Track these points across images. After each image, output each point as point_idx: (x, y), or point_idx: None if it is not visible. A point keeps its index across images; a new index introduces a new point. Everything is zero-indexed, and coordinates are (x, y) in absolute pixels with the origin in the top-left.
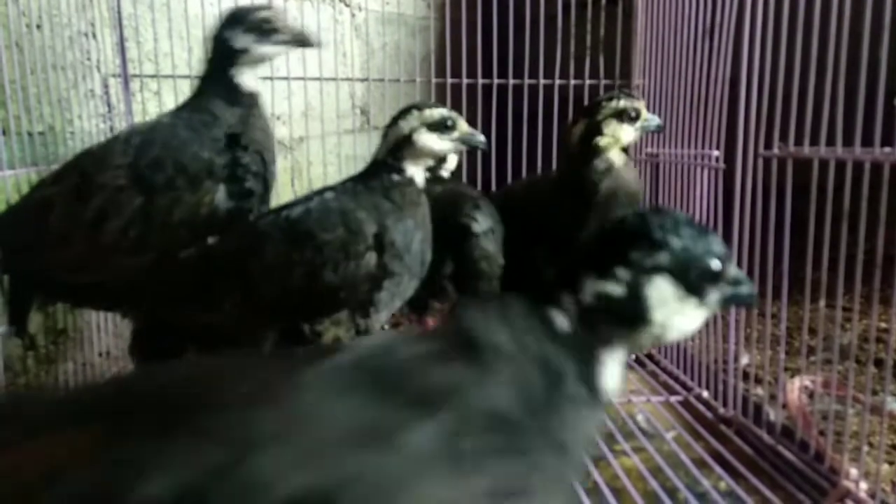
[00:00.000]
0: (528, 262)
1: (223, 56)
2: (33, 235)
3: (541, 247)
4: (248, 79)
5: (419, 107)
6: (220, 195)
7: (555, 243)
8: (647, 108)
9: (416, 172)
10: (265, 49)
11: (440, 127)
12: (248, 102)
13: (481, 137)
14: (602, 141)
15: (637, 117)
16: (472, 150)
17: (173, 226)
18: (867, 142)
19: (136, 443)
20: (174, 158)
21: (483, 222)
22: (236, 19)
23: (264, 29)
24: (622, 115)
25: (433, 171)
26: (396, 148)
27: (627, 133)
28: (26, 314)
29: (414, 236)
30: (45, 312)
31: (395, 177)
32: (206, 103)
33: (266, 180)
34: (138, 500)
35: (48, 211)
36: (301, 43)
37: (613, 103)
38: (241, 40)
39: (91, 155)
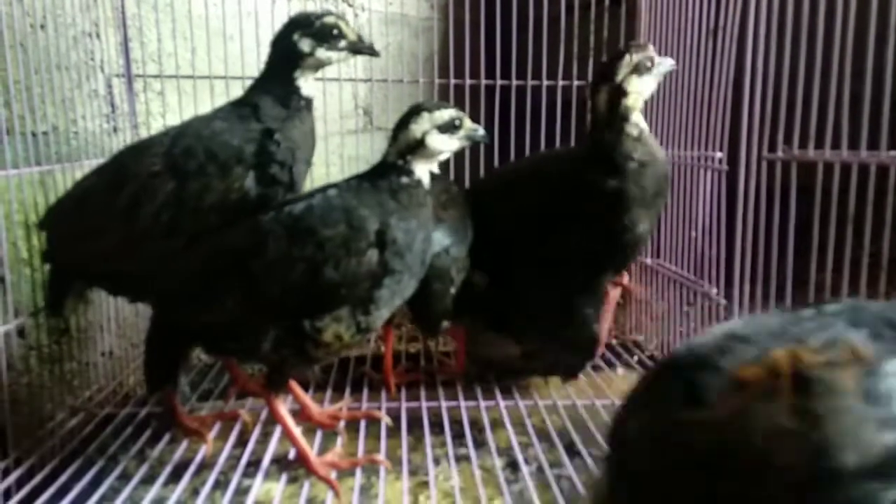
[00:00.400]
0: (555, 241)
1: (287, 58)
2: (72, 226)
3: (573, 226)
4: (307, 83)
5: (429, 108)
6: (250, 181)
7: (590, 220)
8: (650, 108)
9: (424, 173)
10: (328, 54)
11: (449, 127)
12: (297, 106)
13: (482, 132)
14: (629, 100)
15: (653, 65)
16: (474, 152)
17: (204, 210)
18: (873, 145)
19: None
20: (205, 146)
21: (437, 242)
22: (302, 23)
23: (329, 35)
24: (639, 69)
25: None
26: (407, 150)
27: (649, 84)
28: (64, 300)
29: (416, 236)
30: (82, 301)
31: (405, 179)
32: (253, 98)
33: (293, 172)
34: None
35: (86, 201)
36: (361, 50)
37: (627, 59)
38: (306, 44)
39: (133, 147)
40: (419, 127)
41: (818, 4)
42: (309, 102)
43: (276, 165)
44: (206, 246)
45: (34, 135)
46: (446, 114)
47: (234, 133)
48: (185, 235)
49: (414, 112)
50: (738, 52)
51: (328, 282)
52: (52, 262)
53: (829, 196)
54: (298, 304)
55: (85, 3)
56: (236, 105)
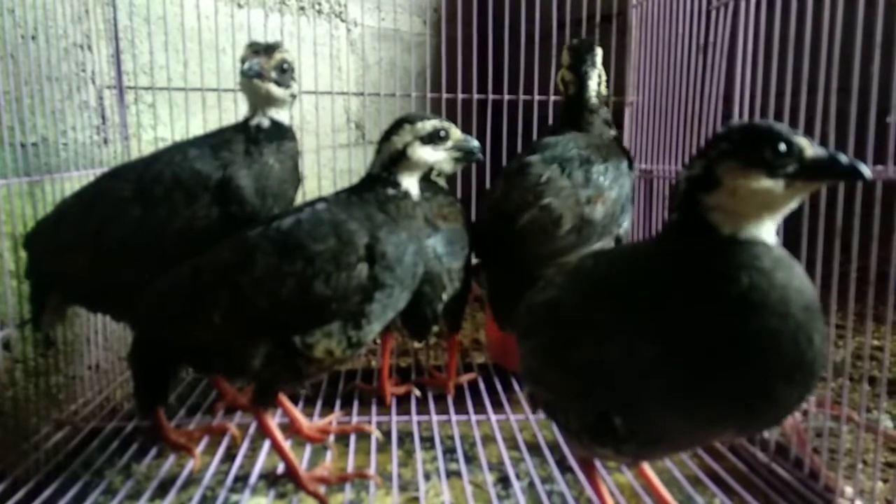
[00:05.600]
0: None
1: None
2: (49, 243)
3: None
4: (263, 117)
5: (411, 120)
6: (215, 210)
7: None
8: (641, 124)
9: (411, 185)
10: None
11: (433, 138)
12: (256, 139)
13: (475, 143)
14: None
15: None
16: (465, 166)
17: (170, 236)
18: (859, 159)
19: None
20: (173, 173)
21: (431, 249)
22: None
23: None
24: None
25: (425, 178)
26: (391, 162)
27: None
28: (41, 313)
29: (407, 248)
30: (61, 315)
31: (391, 191)
32: (227, 130)
33: (255, 207)
34: None
35: (62, 220)
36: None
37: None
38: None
39: (113, 171)
40: (401, 139)
41: (805, 21)
42: (270, 133)
43: (234, 204)
44: (194, 262)
45: (23, 145)
46: (429, 125)
47: (205, 160)
48: (152, 259)
49: (397, 124)
50: (728, 67)
51: (318, 297)
52: (31, 277)
53: (816, 210)
54: (288, 320)
55: (77, 15)
56: (214, 134)
